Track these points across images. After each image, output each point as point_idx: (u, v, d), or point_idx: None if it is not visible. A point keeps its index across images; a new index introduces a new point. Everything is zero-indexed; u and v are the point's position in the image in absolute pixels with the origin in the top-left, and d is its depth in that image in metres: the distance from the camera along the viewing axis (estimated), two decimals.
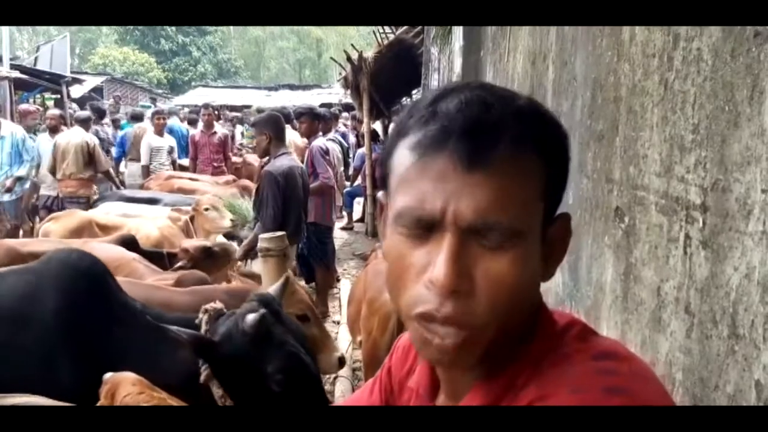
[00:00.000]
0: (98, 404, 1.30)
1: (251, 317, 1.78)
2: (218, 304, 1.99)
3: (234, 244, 3.79)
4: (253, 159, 8.38)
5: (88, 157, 6.51)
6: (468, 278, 0.61)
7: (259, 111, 9.75)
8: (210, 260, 3.36)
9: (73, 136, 6.59)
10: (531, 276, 0.65)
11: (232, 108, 16.61)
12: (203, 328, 1.87)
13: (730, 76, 0.89)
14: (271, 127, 4.15)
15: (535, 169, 0.63)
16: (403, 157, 0.65)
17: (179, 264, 3.25)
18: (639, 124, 1.21)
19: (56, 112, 8.15)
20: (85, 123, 7.16)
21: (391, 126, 0.71)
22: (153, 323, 1.84)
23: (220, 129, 8.76)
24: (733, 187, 0.88)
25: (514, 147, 0.61)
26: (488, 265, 0.61)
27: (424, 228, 0.62)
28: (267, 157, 4.18)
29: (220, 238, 4.36)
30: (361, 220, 9.21)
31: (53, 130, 7.13)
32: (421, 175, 0.62)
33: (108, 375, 1.37)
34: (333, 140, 5.93)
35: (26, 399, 1.32)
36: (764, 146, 0.81)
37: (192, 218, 4.40)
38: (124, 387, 1.28)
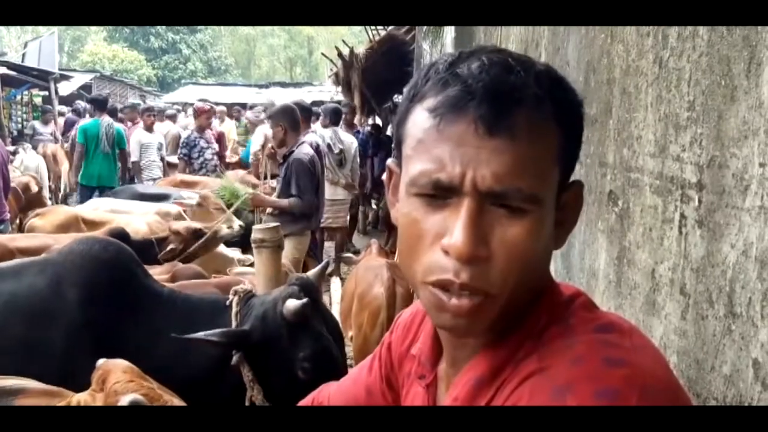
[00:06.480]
0: (89, 390, 1.27)
1: (293, 304, 1.74)
2: (248, 285, 1.95)
3: (223, 227, 3.73)
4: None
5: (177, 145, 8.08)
6: (485, 244, 0.60)
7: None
8: (201, 242, 3.36)
9: (172, 128, 8.41)
10: (545, 243, 0.65)
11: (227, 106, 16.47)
12: (234, 309, 1.85)
13: (727, 49, 0.87)
14: (286, 118, 4.19)
15: (552, 134, 0.62)
16: (420, 120, 0.63)
17: (171, 247, 3.22)
18: (633, 105, 1.19)
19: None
20: (173, 118, 8.91)
21: (404, 91, 0.70)
22: (180, 311, 1.83)
23: (216, 126, 8.69)
24: (729, 162, 0.86)
25: (533, 112, 0.60)
26: (505, 231, 0.60)
27: (441, 193, 0.61)
28: (283, 148, 4.24)
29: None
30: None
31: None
32: (439, 138, 0.61)
33: (101, 361, 1.33)
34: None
35: (13, 381, 1.29)
36: (762, 119, 0.79)
37: (185, 212, 4.39)
38: (115, 374, 1.24)
